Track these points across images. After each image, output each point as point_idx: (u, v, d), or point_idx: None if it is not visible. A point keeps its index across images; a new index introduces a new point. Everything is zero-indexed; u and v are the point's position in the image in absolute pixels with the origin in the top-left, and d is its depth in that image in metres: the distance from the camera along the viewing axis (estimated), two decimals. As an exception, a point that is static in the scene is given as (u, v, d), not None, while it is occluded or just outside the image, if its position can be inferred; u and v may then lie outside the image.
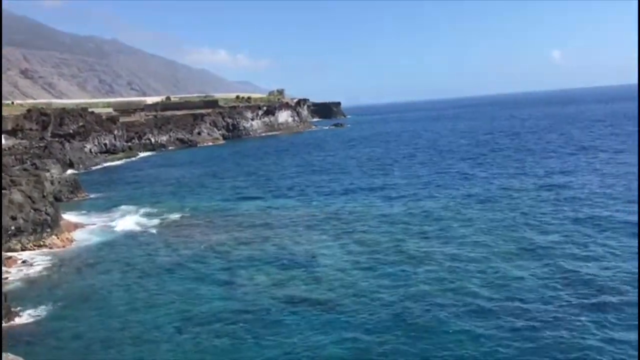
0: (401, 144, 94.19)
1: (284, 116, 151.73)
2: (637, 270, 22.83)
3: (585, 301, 20.54)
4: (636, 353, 16.61)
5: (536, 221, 32.62)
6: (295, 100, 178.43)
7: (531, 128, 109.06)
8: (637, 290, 20.79)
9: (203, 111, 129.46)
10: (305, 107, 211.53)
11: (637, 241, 26.50)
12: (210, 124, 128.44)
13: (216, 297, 23.78)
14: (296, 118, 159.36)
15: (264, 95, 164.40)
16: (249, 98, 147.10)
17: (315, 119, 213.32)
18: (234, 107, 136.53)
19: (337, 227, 34.82)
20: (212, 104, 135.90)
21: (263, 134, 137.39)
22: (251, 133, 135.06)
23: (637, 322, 18.39)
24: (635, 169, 46.41)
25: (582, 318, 19.17)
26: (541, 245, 27.84)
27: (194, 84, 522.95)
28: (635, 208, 33.28)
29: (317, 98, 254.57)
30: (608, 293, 21.08)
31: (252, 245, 31.74)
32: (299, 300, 22.66)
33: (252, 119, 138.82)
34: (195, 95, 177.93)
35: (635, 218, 31.07)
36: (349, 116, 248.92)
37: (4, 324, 21.17)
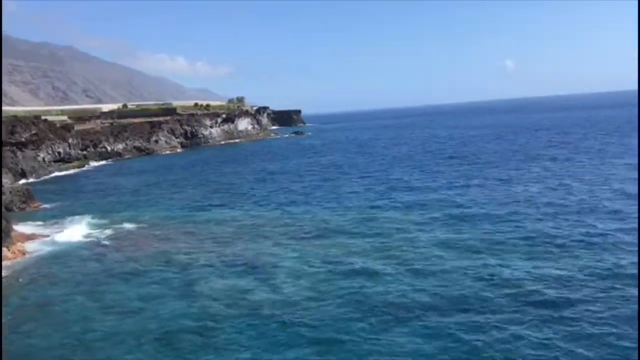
0: (361, 152, 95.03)
1: (243, 124, 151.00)
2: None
3: (517, 305, 21.17)
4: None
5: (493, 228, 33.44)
6: (255, 108, 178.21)
7: (476, 137, 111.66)
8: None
9: (161, 119, 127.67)
10: (266, 115, 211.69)
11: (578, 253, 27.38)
12: (168, 131, 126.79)
13: (173, 307, 23.49)
14: (256, 126, 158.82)
15: (224, 103, 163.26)
16: (207, 105, 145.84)
17: (275, 127, 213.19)
18: (193, 114, 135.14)
19: (297, 236, 34.87)
20: (170, 111, 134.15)
21: (222, 142, 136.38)
22: (210, 141, 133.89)
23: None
24: (570, 180, 48.16)
25: (514, 326, 19.73)
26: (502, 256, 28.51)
27: (152, 91, 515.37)
28: (575, 218, 34.47)
29: (277, 106, 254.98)
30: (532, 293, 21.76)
31: (211, 255, 31.49)
32: (258, 309, 22.60)
33: (211, 127, 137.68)
34: (152, 102, 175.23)
35: (579, 230, 32.16)
36: (309, 124, 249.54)
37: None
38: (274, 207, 45.17)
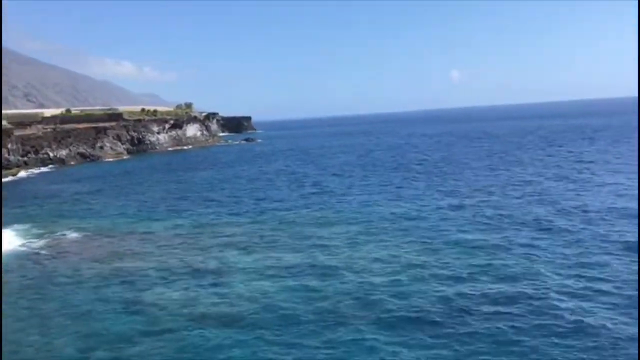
0: (311, 159, 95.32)
1: (192, 130, 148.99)
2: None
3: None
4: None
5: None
6: (204, 114, 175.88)
7: (415, 145, 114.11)
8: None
9: (106, 124, 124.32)
10: (215, 121, 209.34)
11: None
12: (113, 137, 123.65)
13: (120, 318, 22.76)
14: (205, 132, 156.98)
15: (172, 109, 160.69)
16: (155, 111, 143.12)
17: (225, 133, 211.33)
18: (140, 120, 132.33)
19: (249, 242, 34.51)
20: (116, 117, 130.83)
21: (170, 149, 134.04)
22: (157, 147, 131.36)
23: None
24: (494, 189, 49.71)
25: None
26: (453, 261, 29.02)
27: (97, 96, 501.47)
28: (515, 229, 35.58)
29: (228, 112, 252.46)
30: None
31: (158, 263, 30.75)
32: (207, 318, 22.18)
33: (159, 133, 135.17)
34: (97, 107, 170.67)
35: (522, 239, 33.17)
36: (260, 131, 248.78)
37: None
38: (223, 215, 44.60)
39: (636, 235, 29.53)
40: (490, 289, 23.40)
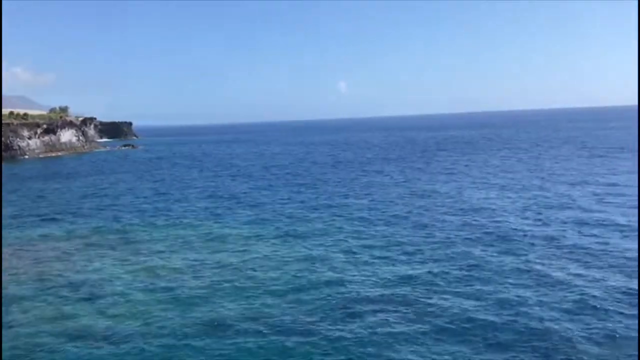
0: (197, 166, 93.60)
1: (67, 135, 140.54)
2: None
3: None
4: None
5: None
6: (80, 119, 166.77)
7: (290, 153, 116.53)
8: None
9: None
10: (92, 126, 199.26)
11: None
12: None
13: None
14: (81, 138, 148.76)
15: (45, 113, 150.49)
16: (25, 115, 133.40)
17: (103, 139, 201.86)
18: (8, 124, 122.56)
19: (128, 252, 33.27)
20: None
21: (42, 155, 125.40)
22: (28, 154, 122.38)
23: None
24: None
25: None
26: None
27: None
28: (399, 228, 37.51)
29: (109, 117, 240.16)
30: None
31: (26, 278, 28.72)
32: (81, 334, 21.09)
33: (30, 138, 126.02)
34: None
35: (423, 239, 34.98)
36: (143, 137, 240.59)
37: None
38: (101, 223, 42.53)
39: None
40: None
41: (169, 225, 41.38)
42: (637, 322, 19.58)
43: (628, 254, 28.11)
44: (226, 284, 26.39)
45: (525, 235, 33.33)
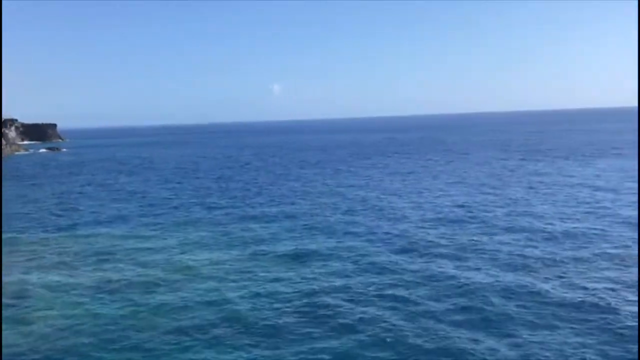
0: (119, 170, 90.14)
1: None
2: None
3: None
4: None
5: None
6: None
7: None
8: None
9: None
10: (14, 128, 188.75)
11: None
12: None
13: None
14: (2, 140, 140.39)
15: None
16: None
17: (26, 142, 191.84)
18: None
19: (50, 260, 31.33)
20: None
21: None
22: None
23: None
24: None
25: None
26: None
27: None
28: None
29: (33, 119, 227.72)
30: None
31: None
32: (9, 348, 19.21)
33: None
34: None
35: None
36: (70, 139, 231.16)
37: None
38: (26, 230, 39.76)
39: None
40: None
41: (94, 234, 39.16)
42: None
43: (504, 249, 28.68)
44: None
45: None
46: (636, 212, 37.25)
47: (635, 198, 42.55)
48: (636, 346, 17.68)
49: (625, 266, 26.14)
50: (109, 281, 27.06)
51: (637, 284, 23.21)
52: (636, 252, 28.05)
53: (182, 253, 32.23)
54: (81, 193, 60.98)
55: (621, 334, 18.69)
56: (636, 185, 48.22)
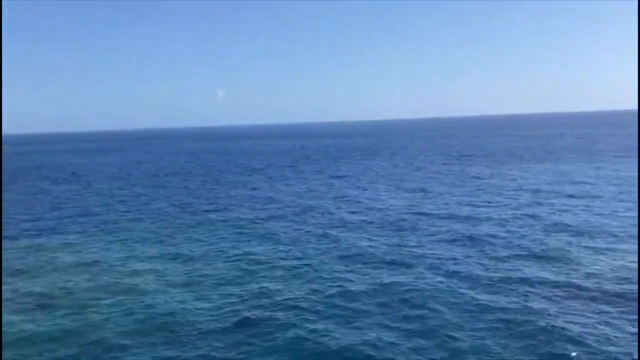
0: (60, 179, 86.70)
1: None
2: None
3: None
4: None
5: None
6: None
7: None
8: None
9: None
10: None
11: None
12: None
13: None
14: None
15: None
16: None
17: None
18: None
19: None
20: None
21: None
22: None
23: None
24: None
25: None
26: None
27: None
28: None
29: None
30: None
31: None
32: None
33: None
34: None
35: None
36: (6, 146, 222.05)
37: None
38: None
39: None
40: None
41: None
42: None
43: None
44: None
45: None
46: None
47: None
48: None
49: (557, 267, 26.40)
50: (29, 294, 25.56)
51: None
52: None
53: (118, 263, 30.75)
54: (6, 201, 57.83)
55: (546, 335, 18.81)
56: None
